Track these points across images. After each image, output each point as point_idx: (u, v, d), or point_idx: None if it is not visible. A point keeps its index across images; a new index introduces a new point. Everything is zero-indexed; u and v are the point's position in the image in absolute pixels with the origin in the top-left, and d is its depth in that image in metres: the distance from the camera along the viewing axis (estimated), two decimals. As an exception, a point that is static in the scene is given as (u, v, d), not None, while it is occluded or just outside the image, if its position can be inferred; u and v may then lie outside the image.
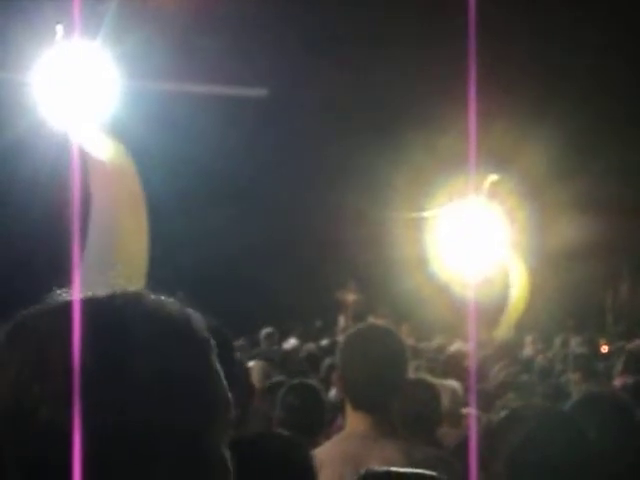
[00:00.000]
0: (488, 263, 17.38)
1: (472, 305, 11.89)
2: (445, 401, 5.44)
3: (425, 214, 17.93)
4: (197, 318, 1.26)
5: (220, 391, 1.25)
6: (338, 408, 4.93)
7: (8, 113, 8.75)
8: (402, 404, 3.60)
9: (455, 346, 11.30)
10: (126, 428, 1.16)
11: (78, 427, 1.14)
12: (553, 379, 9.02)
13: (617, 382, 7.46)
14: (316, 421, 5.00)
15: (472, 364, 8.37)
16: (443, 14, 14.23)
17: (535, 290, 18.43)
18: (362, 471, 1.86)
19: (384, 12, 16.51)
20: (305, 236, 17.98)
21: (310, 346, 12.63)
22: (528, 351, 13.75)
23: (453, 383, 6.41)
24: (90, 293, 1.25)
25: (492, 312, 16.94)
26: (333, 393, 6.73)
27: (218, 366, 1.26)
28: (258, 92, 13.28)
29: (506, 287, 18.48)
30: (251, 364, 7.97)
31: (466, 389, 6.50)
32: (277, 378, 7.39)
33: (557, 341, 14.07)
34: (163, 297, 1.26)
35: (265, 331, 12.99)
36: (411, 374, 4.95)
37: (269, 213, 17.61)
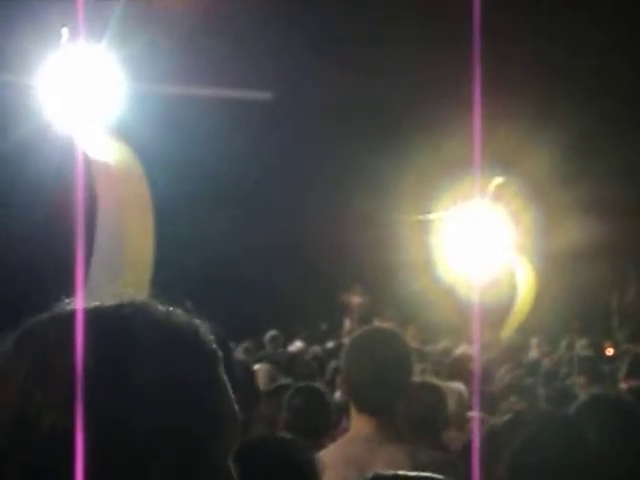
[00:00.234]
0: (493, 265, 17.35)
1: (478, 307, 11.89)
2: (451, 404, 5.44)
3: (430, 217, 17.92)
4: (205, 329, 1.26)
5: (226, 403, 1.24)
6: (343, 410, 4.92)
7: (13, 116, 8.76)
8: (408, 407, 3.60)
9: (461, 349, 11.28)
10: (129, 435, 1.15)
11: (81, 433, 1.14)
12: (559, 382, 9.00)
13: (623, 385, 7.45)
14: (321, 424, 5.00)
15: (477, 367, 8.36)
16: (446, 17, 14.24)
17: (541, 292, 18.40)
18: (369, 475, 1.86)
19: (385, 13, 16.51)
20: (310, 238, 17.98)
21: (315, 349, 12.62)
22: (534, 354, 13.73)
23: (459, 386, 6.40)
24: (98, 302, 1.25)
25: (498, 314, 16.92)
26: (338, 395, 6.73)
27: (225, 378, 1.25)
28: (263, 95, 13.29)
29: (512, 289, 18.44)
30: (257, 367, 7.96)
31: (472, 392, 6.49)
32: (283, 381, 7.38)
33: (562, 344, 14.04)
34: (171, 307, 1.26)
35: (270, 334, 13.00)
36: (417, 377, 4.94)
37: (274, 216, 17.61)
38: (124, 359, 1.18)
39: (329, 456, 3.28)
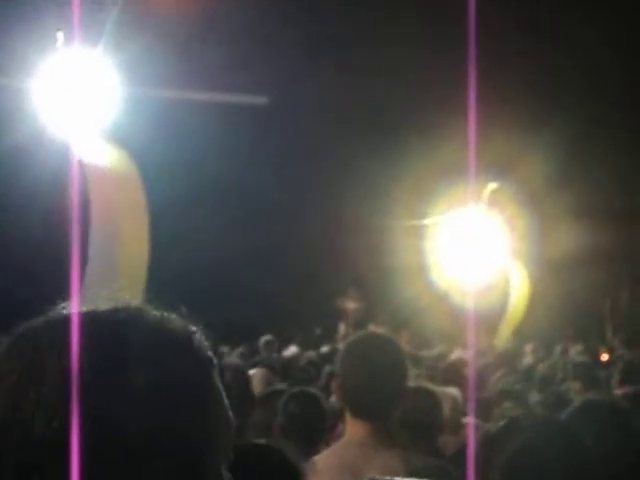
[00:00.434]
0: (488, 271, 17.37)
1: (472, 313, 11.89)
2: (446, 409, 5.44)
3: (425, 222, 17.94)
4: (200, 335, 1.26)
5: (221, 409, 1.24)
6: (339, 415, 4.93)
7: (9, 119, 8.76)
8: (403, 412, 3.60)
9: (455, 354, 11.29)
10: (122, 436, 1.16)
11: (75, 432, 1.14)
12: (554, 387, 9.01)
13: (618, 391, 7.45)
14: (317, 429, 5.00)
15: (471, 372, 8.37)
16: (446, 19, 14.24)
17: (535, 298, 18.42)
18: (364, 480, 1.86)
19: (383, 15, 16.52)
20: (305, 243, 17.98)
21: (310, 354, 12.62)
22: (528, 360, 13.73)
23: (453, 391, 6.41)
24: (93, 306, 1.25)
25: (492, 320, 16.93)
26: (333, 400, 6.73)
27: (220, 385, 1.25)
28: (259, 98, 13.30)
29: (506, 295, 18.46)
30: (252, 372, 7.96)
31: (466, 397, 6.49)
32: (278, 386, 7.38)
33: (557, 349, 14.05)
34: (166, 312, 1.26)
35: (264, 339, 12.99)
36: (412, 382, 4.95)
37: (269, 220, 17.61)
38: (118, 362, 1.18)
39: (323, 461, 3.28)
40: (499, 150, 15.23)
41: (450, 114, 11.28)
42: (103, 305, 1.25)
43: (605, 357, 13.27)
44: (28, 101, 9.45)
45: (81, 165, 8.56)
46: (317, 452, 3.63)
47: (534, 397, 8.30)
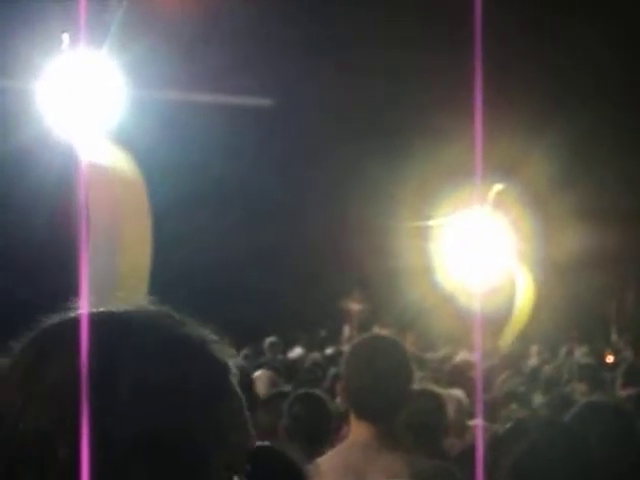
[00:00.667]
0: (493, 273, 17.34)
1: (477, 315, 11.88)
2: (450, 411, 5.43)
3: (430, 223, 17.92)
4: (217, 341, 1.26)
5: (234, 414, 1.24)
6: (344, 417, 4.92)
7: (14, 121, 8.77)
8: (408, 414, 3.59)
9: (460, 356, 11.27)
10: (127, 434, 1.15)
11: (86, 430, 1.14)
12: (560, 389, 9.00)
13: (622, 393, 7.44)
14: (322, 431, 5.00)
15: (478, 374, 8.35)
16: (447, 20, 14.24)
17: (540, 300, 18.40)
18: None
19: (385, 17, 16.52)
20: (309, 244, 17.98)
21: (315, 355, 12.62)
22: (533, 361, 13.72)
23: (458, 393, 6.40)
24: (103, 308, 1.25)
25: (497, 322, 16.91)
26: (338, 402, 6.72)
27: (238, 389, 1.25)
28: (263, 100, 13.30)
29: (511, 297, 18.44)
30: (257, 374, 7.96)
31: (471, 399, 6.48)
32: (283, 387, 7.38)
33: (562, 351, 14.04)
34: (181, 316, 1.26)
35: (269, 340, 12.99)
36: (416, 384, 4.94)
37: (273, 222, 17.62)
38: (126, 361, 1.18)
39: (327, 463, 3.27)
40: (504, 151, 15.21)
41: (454, 116, 11.28)
42: (110, 306, 1.25)
43: (610, 359, 13.26)
44: (33, 103, 9.44)
45: (85, 167, 8.57)
46: (322, 454, 3.63)
47: (539, 399, 8.30)
